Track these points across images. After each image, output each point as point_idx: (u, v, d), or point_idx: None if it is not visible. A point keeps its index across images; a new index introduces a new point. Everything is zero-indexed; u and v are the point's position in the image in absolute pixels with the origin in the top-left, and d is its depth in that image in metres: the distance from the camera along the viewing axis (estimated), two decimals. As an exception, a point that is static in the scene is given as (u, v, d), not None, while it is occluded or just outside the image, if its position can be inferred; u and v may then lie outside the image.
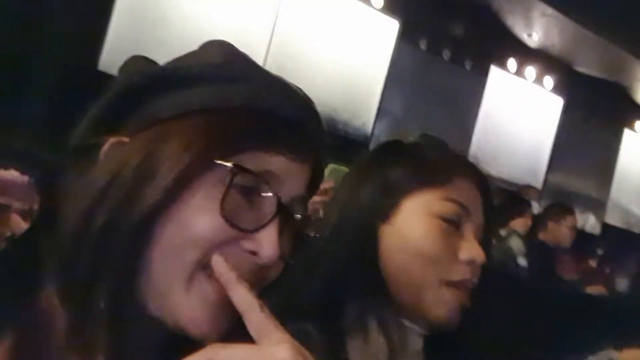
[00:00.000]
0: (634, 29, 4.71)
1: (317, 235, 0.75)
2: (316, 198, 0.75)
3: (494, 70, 5.56)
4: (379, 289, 0.72)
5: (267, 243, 0.46)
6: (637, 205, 6.76)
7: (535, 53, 5.64)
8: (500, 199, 3.71)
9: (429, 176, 0.75)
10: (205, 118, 0.48)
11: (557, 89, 5.90)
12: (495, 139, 5.58)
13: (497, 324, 0.81)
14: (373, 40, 4.78)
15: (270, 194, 0.48)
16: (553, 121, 6.01)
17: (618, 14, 4.42)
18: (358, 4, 4.67)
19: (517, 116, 5.77)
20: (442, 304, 0.71)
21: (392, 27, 4.85)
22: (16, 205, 1.02)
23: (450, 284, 0.71)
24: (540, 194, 5.09)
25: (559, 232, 3.36)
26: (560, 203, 4.10)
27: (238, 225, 0.46)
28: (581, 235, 4.87)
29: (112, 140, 0.48)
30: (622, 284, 3.49)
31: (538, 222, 3.37)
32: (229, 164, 0.46)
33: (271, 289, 0.50)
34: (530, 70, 5.71)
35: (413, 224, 0.73)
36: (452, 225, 0.73)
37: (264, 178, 0.47)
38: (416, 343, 0.73)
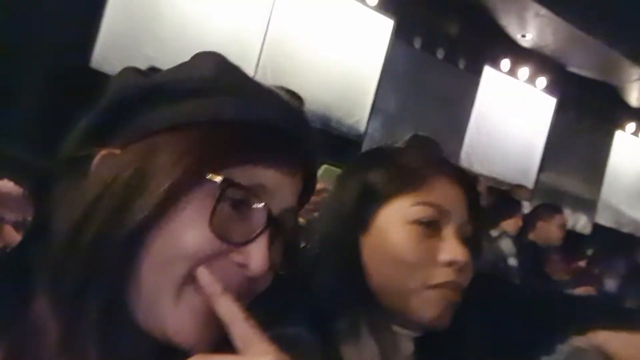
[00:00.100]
0: (627, 30, 4.75)
1: (307, 245, 0.75)
2: (316, 199, 0.75)
3: (487, 70, 5.58)
4: (366, 297, 0.72)
5: (257, 256, 0.47)
6: (628, 205, 6.82)
7: (528, 53, 5.67)
8: (491, 199, 3.73)
9: (403, 181, 0.74)
10: (196, 132, 0.48)
11: (549, 89, 5.93)
12: (487, 138, 5.61)
13: (486, 324, 0.81)
14: (367, 39, 4.79)
15: (260, 207, 0.48)
16: (545, 121, 6.05)
17: (611, 16, 4.45)
18: (352, 2, 4.68)
19: (510, 116, 5.81)
20: (428, 307, 0.71)
21: (386, 25, 4.86)
22: (9, 216, 1.01)
23: (433, 287, 0.71)
24: (532, 193, 5.12)
25: (549, 232, 3.39)
26: (549, 202, 4.13)
27: (228, 239, 0.46)
28: (572, 235, 4.91)
29: (103, 152, 0.48)
30: (610, 284, 3.52)
31: (527, 222, 3.39)
32: (219, 179, 0.46)
33: (264, 296, 0.50)
34: (524, 70, 5.73)
35: (389, 233, 0.72)
36: (431, 228, 0.72)
37: (255, 191, 0.48)
38: (407, 348, 0.73)
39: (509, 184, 4.98)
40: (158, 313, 0.46)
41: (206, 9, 3.96)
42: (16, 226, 1.02)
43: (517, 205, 3.52)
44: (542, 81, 5.85)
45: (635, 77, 5.86)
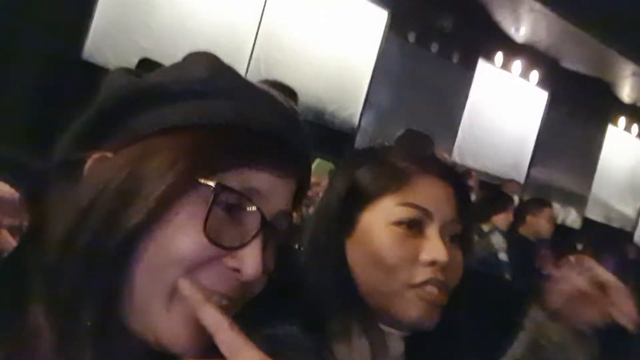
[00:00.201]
0: (621, 26, 4.77)
1: (299, 246, 0.76)
2: (311, 193, 0.76)
3: (481, 64, 5.59)
4: (355, 299, 0.72)
5: (250, 260, 0.47)
6: (618, 200, 6.88)
7: (522, 48, 5.68)
8: (483, 194, 3.74)
9: (387, 181, 0.73)
10: (189, 135, 0.48)
11: (542, 84, 5.95)
12: (480, 132, 5.63)
13: (476, 322, 0.81)
14: (361, 32, 4.78)
15: (254, 211, 0.48)
16: (537, 116, 6.07)
17: (605, 12, 4.47)
18: (347, -5, 4.66)
19: (503, 110, 5.82)
20: (411, 307, 0.71)
21: (380, 17, 4.85)
22: (5, 221, 1.00)
23: (415, 287, 0.71)
24: (522, 188, 5.15)
25: (538, 225, 3.42)
26: (538, 197, 4.16)
27: (221, 244, 0.46)
28: (562, 230, 4.94)
29: (95, 156, 0.48)
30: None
31: (517, 216, 3.41)
32: (212, 183, 0.46)
33: (257, 297, 0.50)
34: (517, 65, 5.75)
35: (373, 235, 0.72)
36: (413, 228, 0.72)
37: (248, 195, 0.47)
38: (397, 347, 0.74)
39: (501, 179, 5.00)
40: (150, 318, 0.46)
41: (199, 2, 3.93)
42: (12, 231, 1.01)
43: (509, 200, 3.54)
44: (534, 76, 5.86)
45: (627, 72, 5.89)
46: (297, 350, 0.68)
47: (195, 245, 0.45)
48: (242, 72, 0.53)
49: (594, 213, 6.66)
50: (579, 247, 4.43)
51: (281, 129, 0.51)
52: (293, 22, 4.44)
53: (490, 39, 5.51)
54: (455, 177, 0.77)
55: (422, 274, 0.71)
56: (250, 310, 0.47)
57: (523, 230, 3.44)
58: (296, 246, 0.75)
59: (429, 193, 0.73)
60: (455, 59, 5.43)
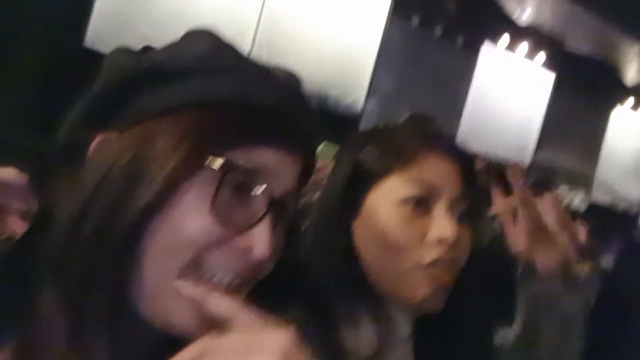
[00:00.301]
0: (626, 8, 4.70)
1: (310, 225, 0.75)
2: (316, 177, 0.75)
3: (485, 47, 5.54)
4: (361, 282, 0.72)
5: (260, 240, 0.46)
6: (623, 183, 6.84)
7: (526, 30, 5.62)
8: (488, 177, 3.73)
9: (392, 158, 0.72)
10: (194, 115, 0.47)
11: (547, 66, 5.90)
12: (485, 116, 5.59)
13: (483, 304, 0.81)
14: (364, 16, 4.73)
15: (261, 190, 0.47)
16: (543, 98, 6.02)
17: (610, -8, 4.40)
18: (349, -21, 4.61)
19: (508, 93, 5.78)
20: (419, 287, 0.70)
21: (383, 2, 4.80)
22: (14, 206, 1.00)
23: (424, 266, 0.70)
24: (528, 171, 5.13)
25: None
26: (544, 179, 4.14)
27: (230, 224, 0.45)
28: (567, 212, 4.92)
29: (100, 137, 0.48)
30: (607, 260, 3.55)
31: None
32: (219, 163, 0.45)
33: (263, 281, 0.50)
34: (522, 47, 5.69)
35: (379, 214, 0.71)
36: (421, 206, 0.71)
37: (255, 174, 0.47)
38: (405, 330, 0.74)
39: (506, 162, 4.98)
40: (161, 302, 0.46)
41: (201, -14, 3.89)
42: (22, 216, 1.02)
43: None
44: (540, 58, 5.81)
45: (633, 54, 5.83)
46: (304, 335, 0.67)
47: (204, 227, 0.45)
48: (244, 59, 0.52)
49: (599, 196, 6.64)
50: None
51: (286, 105, 0.50)
52: (295, 8, 4.40)
53: (494, 21, 5.45)
54: (461, 153, 0.76)
55: (430, 253, 0.70)
56: (257, 296, 0.47)
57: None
58: (305, 225, 0.74)
59: (435, 170, 0.72)
60: (459, 42, 5.37)
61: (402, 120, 0.82)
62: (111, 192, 0.45)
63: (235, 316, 0.43)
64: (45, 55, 3.25)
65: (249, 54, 0.53)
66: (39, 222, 0.50)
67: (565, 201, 5.85)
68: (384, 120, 0.86)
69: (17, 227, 1.01)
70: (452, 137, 0.79)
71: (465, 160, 0.76)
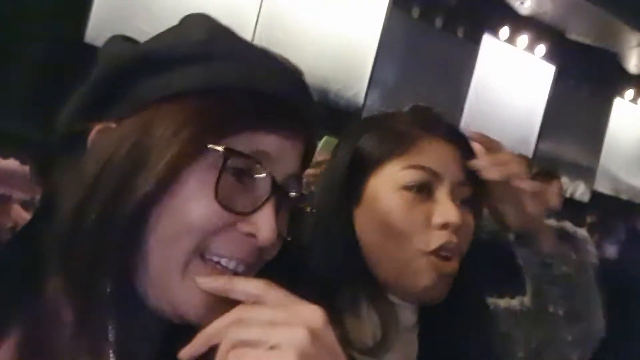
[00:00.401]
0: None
1: (313, 210, 0.74)
2: (310, 171, 0.74)
3: (486, 38, 5.51)
4: (363, 271, 0.71)
5: (264, 225, 0.46)
6: (626, 172, 6.83)
7: (527, 21, 5.59)
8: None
9: (392, 145, 0.71)
10: (193, 101, 0.46)
11: (548, 57, 5.88)
12: (487, 107, 5.58)
13: (486, 288, 0.81)
14: (364, 8, 4.72)
15: (264, 175, 0.47)
16: (544, 89, 6.00)
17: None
18: (349, -28, 4.59)
19: (509, 84, 5.76)
20: (422, 277, 0.69)
21: (383, -6, 4.78)
22: (18, 196, 1.01)
23: (429, 253, 0.69)
24: (531, 162, 5.12)
25: (547, 198, 3.41)
26: (546, 169, 4.13)
27: (233, 209, 0.45)
28: (571, 203, 4.92)
29: (99, 127, 0.47)
30: (610, 250, 3.55)
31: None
32: (220, 148, 0.45)
33: (267, 268, 0.50)
34: (523, 38, 5.67)
35: (381, 201, 0.70)
36: (423, 192, 0.70)
37: (257, 159, 0.47)
38: (408, 318, 0.73)
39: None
40: (166, 289, 0.46)
41: (200, -19, 3.88)
42: (25, 205, 1.02)
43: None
44: (541, 49, 5.78)
45: (634, 43, 5.80)
46: None
47: (207, 212, 0.45)
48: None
49: (602, 186, 6.62)
50: (589, 219, 4.41)
51: (286, 90, 0.49)
52: (295, 2, 4.39)
53: (494, 12, 5.43)
54: (461, 138, 0.75)
55: (436, 239, 0.69)
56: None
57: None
58: (309, 209, 0.74)
59: (436, 155, 0.71)
60: (460, 34, 5.35)
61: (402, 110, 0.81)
62: (112, 180, 0.44)
63: (266, 292, 0.43)
64: (46, 51, 3.25)
65: (249, 47, 0.53)
66: (42, 212, 0.50)
67: (569, 191, 5.84)
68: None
69: (21, 216, 1.01)
70: (451, 122, 0.77)
71: (465, 144, 0.74)
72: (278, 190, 0.47)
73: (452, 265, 0.71)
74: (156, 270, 0.45)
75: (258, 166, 0.47)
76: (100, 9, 3.55)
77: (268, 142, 0.47)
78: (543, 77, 5.98)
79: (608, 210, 5.14)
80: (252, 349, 0.41)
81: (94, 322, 0.45)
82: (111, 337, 0.46)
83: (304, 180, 0.54)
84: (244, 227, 0.46)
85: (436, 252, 0.69)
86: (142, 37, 0.54)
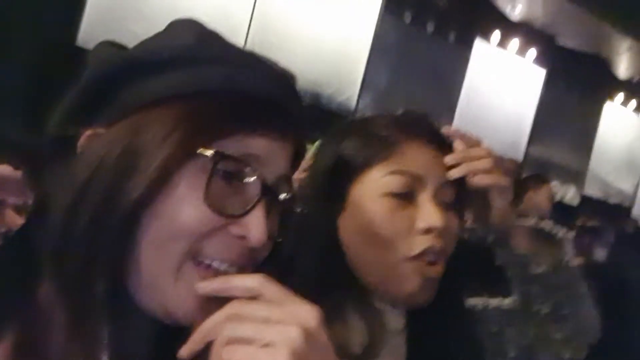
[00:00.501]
0: (616, 2, 4.72)
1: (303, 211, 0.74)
2: (303, 175, 0.74)
3: (477, 43, 5.55)
4: (347, 277, 0.71)
5: (255, 227, 0.46)
6: (615, 176, 6.88)
7: (518, 26, 5.64)
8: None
9: (372, 151, 0.71)
10: (182, 105, 0.47)
11: (539, 62, 5.92)
12: (478, 112, 5.61)
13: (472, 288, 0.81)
14: (356, 13, 4.73)
15: (254, 178, 0.47)
16: (535, 93, 6.05)
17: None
18: (341, -24, 4.61)
19: (500, 88, 5.80)
20: (408, 282, 0.69)
21: (375, -1, 4.80)
22: (10, 200, 1.01)
23: (413, 258, 0.69)
24: (521, 166, 5.15)
25: (537, 202, 3.43)
26: (537, 173, 4.16)
27: (224, 212, 0.46)
28: (561, 207, 4.95)
29: (88, 132, 0.47)
30: (600, 253, 3.57)
31: (516, 193, 3.41)
32: (210, 152, 0.45)
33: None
34: (514, 43, 5.71)
35: (364, 208, 0.70)
36: (405, 197, 0.69)
37: (247, 162, 0.47)
38: (395, 322, 0.73)
39: (499, 157, 5.00)
40: (158, 291, 0.46)
41: (192, -16, 3.88)
42: (18, 210, 1.02)
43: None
44: (532, 53, 5.83)
45: (624, 48, 5.86)
46: None
47: (198, 216, 0.45)
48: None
49: (592, 189, 6.67)
50: (578, 223, 4.45)
51: (274, 92, 0.50)
52: (287, 5, 4.39)
53: (486, 17, 5.47)
54: (442, 140, 0.75)
55: (419, 244, 0.69)
56: None
57: (523, 207, 3.45)
58: (299, 210, 0.73)
59: (418, 158, 0.71)
60: (451, 39, 5.38)
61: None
62: (103, 185, 0.44)
63: (264, 287, 0.43)
64: (39, 54, 3.23)
65: (241, 51, 0.53)
66: (35, 216, 0.50)
67: (559, 195, 5.88)
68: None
69: (14, 221, 1.01)
70: (432, 124, 0.76)
71: (446, 146, 0.74)
72: (268, 192, 0.48)
73: (437, 269, 0.70)
74: (148, 273, 0.46)
75: (248, 169, 0.47)
76: (92, 12, 3.54)
77: (257, 145, 0.48)
78: (534, 81, 6.02)
79: (597, 214, 5.18)
80: (246, 346, 0.41)
81: (87, 326, 0.45)
82: (105, 340, 0.46)
83: (296, 183, 0.54)
84: (235, 229, 0.46)
85: (420, 257, 0.69)
86: (134, 41, 0.54)
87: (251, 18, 4.20)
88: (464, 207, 0.77)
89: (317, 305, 0.67)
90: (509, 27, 5.60)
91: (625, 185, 7.02)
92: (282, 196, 0.51)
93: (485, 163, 0.74)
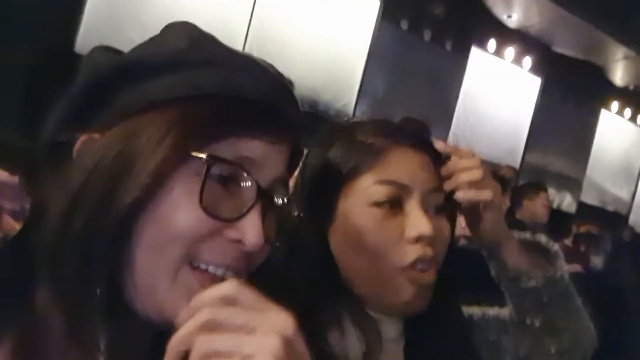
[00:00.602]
0: (612, 10, 4.76)
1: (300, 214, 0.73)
2: (292, 181, 0.73)
3: (474, 51, 5.57)
4: (340, 289, 0.70)
5: (251, 230, 0.46)
6: (612, 183, 6.90)
7: (514, 34, 5.67)
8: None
9: (358, 159, 0.70)
10: (176, 109, 0.46)
11: (535, 69, 5.95)
12: (475, 119, 5.63)
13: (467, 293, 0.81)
14: (354, 20, 4.75)
15: (249, 181, 0.47)
16: (531, 101, 6.07)
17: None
18: (338, -16, 4.63)
19: (497, 96, 5.82)
20: (402, 292, 0.68)
21: (373, 7, 4.82)
22: (7, 206, 1.01)
23: (405, 268, 0.68)
24: (518, 173, 5.16)
25: (534, 210, 3.44)
26: (534, 181, 4.17)
27: (219, 216, 0.45)
28: (558, 214, 4.96)
29: (83, 137, 0.47)
30: (597, 261, 3.57)
31: (514, 201, 3.42)
32: (203, 156, 0.45)
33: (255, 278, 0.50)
34: (510, 51, 5.74)
35: (352, 220, 0.69)
36: (392, 206, 0.69)
37: (241, 165, 0.47)
38: (392, 331, 0.72)
39: (496, 165, 5.02)
40: (155, 296, 0.46)
41: (190, -8, 3.89)
42: (15, 215, 1.02)
43: (507, 184, 3.55)
44: (528, 61, 5.86)
45: (619, 56, 5.89)
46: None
47: (192, 220, 0.45)
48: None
49: (589, 197, 6.69)
50: (575, 230, 4.45)
51: (268, 95, 0.49)
52: (285, 12, 4.41)
53: (482, 25, 5.50)
54: (428, 144, 0.74)
55: (410, 253, 0.68)
56: None
57: (520, 215, 3.46)
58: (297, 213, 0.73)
59: (404, 166, 0.70)
60: (448, 46, 5.41)
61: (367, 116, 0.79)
62: (97, 190, 0.44)
63: (239, 292, 0.42)
64: (36, 60, 3.23)
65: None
66: (32, 221, 0.50)
67: (555, 202, 5.89)
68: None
69: (11, 226, 1.01)
70: (418, 129, 0.76)
71: (432, 150, 0.73)
72: (264, 195, 0.47)
73: (430, 276, 0.70)
74: (144, 277, 0.45)
75: (243, 172, 0.47)
76: (90, 19, 3.55)
77: (252, 148, 0.47)
78: (530, 89, 6.05)
79: (594, 221, 5.19)
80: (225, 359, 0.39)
81: (84, 330, 0.45)
82: (102, 345, 0.46)
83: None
84: (230, 233, 0.46)
85: (412, 267, 0.69)
86: (131, 46, 0.54)
87: (249, 25, 4.21)
88: (455, 210, 0.76)
89: (312, 315, 0.68)
90: (505, 35, 5.63)
91: (622, 192, 7.04)
92: (279, 199, 0.50)
93: (472, 174, 0.73)
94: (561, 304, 0.80)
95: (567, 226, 4.41)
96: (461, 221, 0.79)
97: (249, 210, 0.46)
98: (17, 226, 0.98)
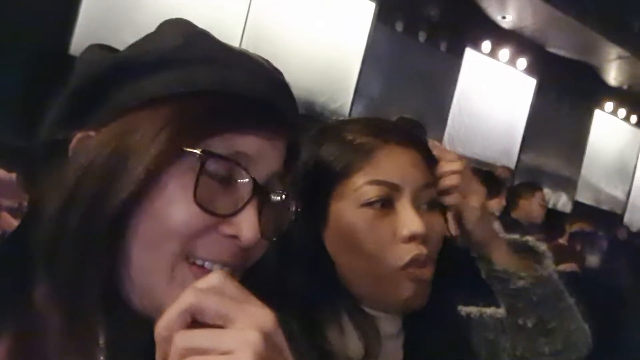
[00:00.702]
0: (605, 10, 4.78)
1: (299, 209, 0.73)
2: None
3: (468, 52, 5.59)
4: (339, 288, 0.71)
5: (247, 226, 0.46)
6: (606, 183, 6.94)
7: (509, 35, 5.69)
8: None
9: (349, 159, 0.70)
10: (170, 105, 0.46)
11: (529, 70, 5.97)
12: (469, 120, 5.64)
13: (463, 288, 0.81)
14: (349, 22, 4.76)
15: (244, 176, 0.47)
16: (526, 102, 6.10)
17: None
18: (333, -15, 4.64)
19: (491, 97, 5.84)
20: (401, 289, 0.69)
21: (368, 9, 4.84)
22: (5, 203, 1.01)
23: (401, 267, 0.68)
24: (513, 173, 5.18)
25: (530, 209, 3.45)
26: (529, 181, 4.19)
27: (214, 212, 0.45)
28: (553, 214, 4.98)
29: (79, 135, 0.47)
30: (592, 260, 3.59)
31: (509, 200, 3.44)
32: (197, 151, 0.45)
33: (252, 276, 0.50)
34: (504, 52, 5.76)
35: (345, 222, 0.69)
36: (384, 206, 0.69)
37: (236, 160, 0.46)
38: (390, 328, 0.73)
39: (491, 165, 5.03)
40: (152, 294, 0.46)
41: (185, -7, 3.89)
42: (13, 212, 1.02)
43: (501, 185, 3.57)
44: (522, 62, 5.88)
45: (613, 56, 5.92)
46: (290, 336, 0.66)
47: (188, 216, 0.44)
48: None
49: (584, 196, 6.72)
50: (570, 229, 4.47)
51: (263, 90, 0.49)
52: (281, 14, 4.42)
53: (476, 26, 5.52)
54: (417, 141, 0.74)
55: (405, 253, 0.68)
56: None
57: (515, 214, 3.47)
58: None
59: (394, 164, 0.70)
60: (443, 48, 5.43)
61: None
62: (92, 186, 0.44)
63: (225, 284, 0.41)
64: (31, 62, 3.23)
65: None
66: (30, 218, 0.50)
67: (551, 202, 5.91)
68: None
69: (9, 223, 1.01)
70: (407, 128, 0.76)
71: (422, 146, 0.73)
72: (260, 191, 0.47)
73: (428, 271, 0.70)
74: (141, 274, 0.45)
75: (238, 168, 0.47)
76: (85, 21, 3.55)
77: (247, 143, 0.47)
78: (524, 89, 6.07)
79: (590, 221, 5.21)
80: (204, 356, 0.38)
81: (83, 327, 0.45)
82: (101, 342, 0.46)
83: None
84: (226, 229, 0.46)
85: (408, 266, 0.69)
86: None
87: (244, 26, 4.21)
88: (447, 207, 0.76)
89: (311, 314, 0.68)
90: (500, 36, 5.65)
91: (616, 192, 7.08)
92: (275, 195, 0.50)
93: (450, 180, 0.74)
94: (552, 304, 0.80)
95: (562, 226, 4.43)
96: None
97: (244, 205, 0.46)
98: (16, 223, 0.98)
